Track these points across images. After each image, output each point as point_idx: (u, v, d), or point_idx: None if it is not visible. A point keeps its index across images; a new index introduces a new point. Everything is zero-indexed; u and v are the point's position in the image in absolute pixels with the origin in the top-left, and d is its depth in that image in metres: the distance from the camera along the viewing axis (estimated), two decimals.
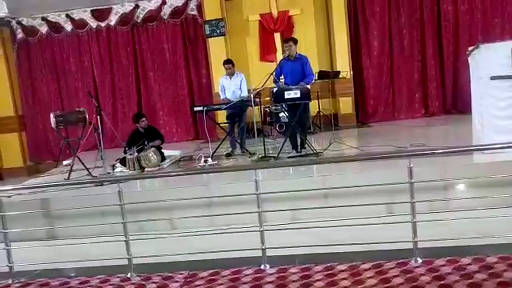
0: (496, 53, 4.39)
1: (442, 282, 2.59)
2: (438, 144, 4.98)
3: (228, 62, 6.63)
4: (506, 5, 8.22)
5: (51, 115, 5.80)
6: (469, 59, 4.74)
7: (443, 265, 2.80)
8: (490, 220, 3.08)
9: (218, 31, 8.46)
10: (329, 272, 2.90)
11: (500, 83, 4.38)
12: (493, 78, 4.40)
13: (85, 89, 8.99)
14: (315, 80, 6.50)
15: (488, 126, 4.51)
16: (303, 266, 3.04)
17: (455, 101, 8.51)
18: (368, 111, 8.80)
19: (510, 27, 8.18)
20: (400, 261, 2.92)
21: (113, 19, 9.09)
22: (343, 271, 2.89)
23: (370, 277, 2.75)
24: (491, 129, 4.48)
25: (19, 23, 9.23)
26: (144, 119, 6.16)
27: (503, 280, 2.52)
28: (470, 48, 4.67)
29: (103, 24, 9.13)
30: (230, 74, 6.56)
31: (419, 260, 2.90)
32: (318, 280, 2.81)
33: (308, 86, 5.51)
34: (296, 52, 5.70)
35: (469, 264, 2.77)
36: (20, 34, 9.31)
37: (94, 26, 9.16)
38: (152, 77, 9.20)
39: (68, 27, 9.22)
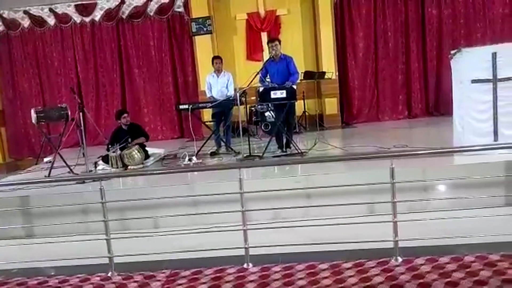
0: (477, 57, 4.48)
1: (421, 281, 2.63)
2: (420, 146, 5.07)
3: (217, 57, 6.67)
4: (488, 11, 8.43)
5: (32, 111, 5.68)
6: (451, 62, 4.84)
7: (423, 264, 2.85)
8: (468, 220, 3.15)
9: (204, 29, 8.43)
10: (311, 270, 2.91)
11: (480, 86, 4.48)
12: (474, 81, 4.49)
13: (67, 84, 8.84)
14: (300, 80, 6.53)
15: (468, 128, 4.61)
16: (286, 264, 3.05)
17: (438, 104, 8.69)
18: (352, 112, 8.90)
19: (492, 32, 8.40)
20: (381, 260, 2.96)
21: (97, 14, 8.97)
22: (325, 269, 2.91)
23: (351, 276, 2.78)
24: (470, 131, 4.58)
25: (0, 16, 9.01)
26: (126, 115, 6.07)
27: (479, 279, 2.58)
28: (452, 52, 4.76)
29: (87, 19, 8.99)
30: (218, 71, 6.54)
31: (399, 259, 2.94)
32: (300, 279, 2.82)
33: (294, 86, 5.53)
34: (281, 53, 5.72)
35: (448, 263, 2.82)
36: (1, 27, 9.10)
37: (78, 21, 9.02)
38: (137, 74, 9.11)
39: (51, 21, 9.05)
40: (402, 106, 8.87)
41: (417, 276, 2.69)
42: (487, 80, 4.44)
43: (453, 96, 4.90)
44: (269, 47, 5.81)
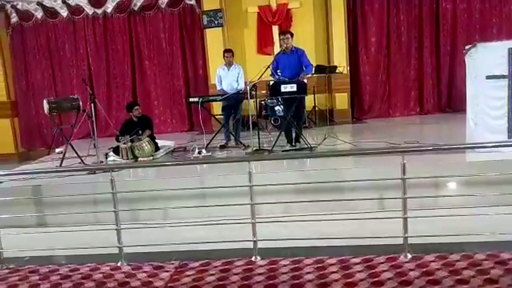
0: (493, 53, 4.40)
1: (430, 278, 2.61)
2: (432, 142, 5.00)
3: (228, 51, 6.64)
4: (504, 6, 8.24)
5: (44, 101, 5.75)
6: (466, 58, 4.75)
7: (432, 261, 2.83)
8: (479, 218, 3.11)
9: (216, 22, 8.39)
10: (319, 265, 2.91)
11: (496, 82, 4.40)
12: (488, 77, 4.41)
13: (79, 76, 8.91)
14: (311, 74, 6.48)
15: (481, 125, 4.54)
16: (294, 258, 3.05)
17: (450, 100, 8.56)
18: (363, 107, 8.82)
19: (508, 27, 8.21)
20: (390, 256, 2.94)
21: (109, 6, 8.98)
22: (333, 264, 2.91)
23: (359, 271, 2.77)
24: (484, 128, 4.51)
25: (13, 7, 9.09)
26: (137, 107, 6.10)
27: (490, 277, 2.55)
28: (467, 47, 4.67)
29: (99, 11, 9.02)
30: (229, 64, 6.53)
31: (409, 256, 2.92)
32: (308, 273, 2.82)
33: (305, 80, 5.50)
34: (292, 45, 5.69)
35: (458, 260, 2.80)
36: (14, 18, 9.18)
37: (91, 13, 9.05)
38: (148, 66, 9.13)
39: (64, 12, 9.10)
40: (414, 102, 8.75)
41: (426, 273, 2.67)
42: (503, 76, 4.36)
43: (466, 92, 4.82)
44: (280, 40, 5.78)
